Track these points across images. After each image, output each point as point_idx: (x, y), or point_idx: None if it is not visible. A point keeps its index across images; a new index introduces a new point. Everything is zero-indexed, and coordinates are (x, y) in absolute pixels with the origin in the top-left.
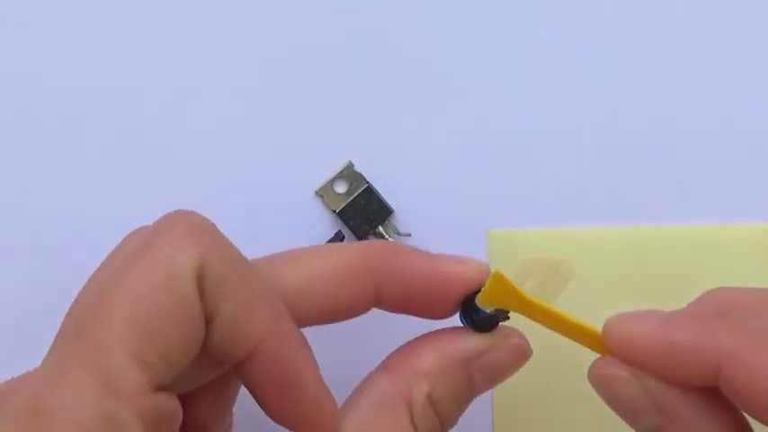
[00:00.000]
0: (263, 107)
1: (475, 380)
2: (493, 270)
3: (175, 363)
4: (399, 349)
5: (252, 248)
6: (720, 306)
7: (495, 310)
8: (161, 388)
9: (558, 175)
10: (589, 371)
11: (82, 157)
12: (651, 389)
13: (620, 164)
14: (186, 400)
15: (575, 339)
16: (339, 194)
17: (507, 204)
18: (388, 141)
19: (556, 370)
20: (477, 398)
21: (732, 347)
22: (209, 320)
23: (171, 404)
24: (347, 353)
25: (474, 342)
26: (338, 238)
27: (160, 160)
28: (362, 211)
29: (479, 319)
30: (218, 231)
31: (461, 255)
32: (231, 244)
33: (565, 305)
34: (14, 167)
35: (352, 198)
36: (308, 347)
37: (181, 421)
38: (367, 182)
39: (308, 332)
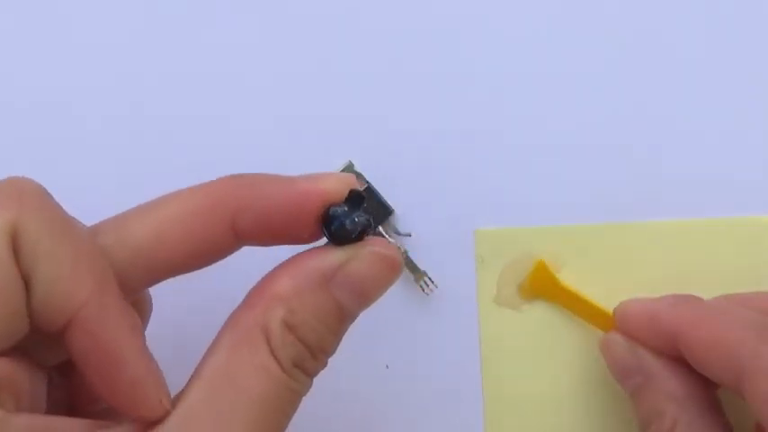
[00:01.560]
0: (263, 107)
1: (338, 297)
2: (536, 260)
3: (4, 331)
4: (259, 281)
5: (253, 248)
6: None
7: (354, 218)
8: None
9: (547, 172)
10: (600, 341)
11: (82, 156)
12: (638, 353)
13: (606, 161)
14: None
15: (594, 323)
16: None
17: (509, 203)
18: (388, 141)
19: (548, 373)
20: (469, 400)
21: (686, 320)
22: (27, 284)
23: (2, 369)
24: (347, 352)
25: (331, 256)
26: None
27: (161, 160)
28: None
29: (336, 229)
30: (44, 195)
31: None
32: (56, 208)
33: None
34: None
35: None
36: (133, 320)
37: (26, 386)
38: (367, 182)
39: None
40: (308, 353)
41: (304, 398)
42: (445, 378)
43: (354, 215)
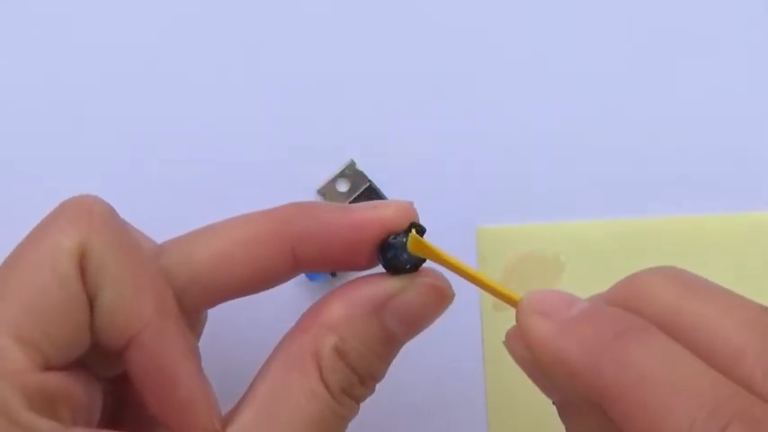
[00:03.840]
0: (264, 107)
1: (389, 326)
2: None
3: (61, 343)
4: (312, 306)
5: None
6: (627, 305)
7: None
8: (49, 367)
9: (549, 170)
10: (505, 337)
11: (82, 154)
12: (552, 377)
13: (607, 159)
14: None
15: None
16: (341, 193)
17: (510, 201)
18: (389, 140)
19: None
20: (473, 399)
21: (612, 386)
22: (91, 303)
23: (61, 382)
24: None
25: (384, 285)
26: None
27: (161, 160)
28: None
29: (391, 258)
30: (112, 215)
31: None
32: (123, 228)
33: None
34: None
35: (354, 196)
36: (190, 343)
37: (83, 399)
38: (369, 180)
39: None
40: (356, 379)
41: None
42: (448, 377)
43: None
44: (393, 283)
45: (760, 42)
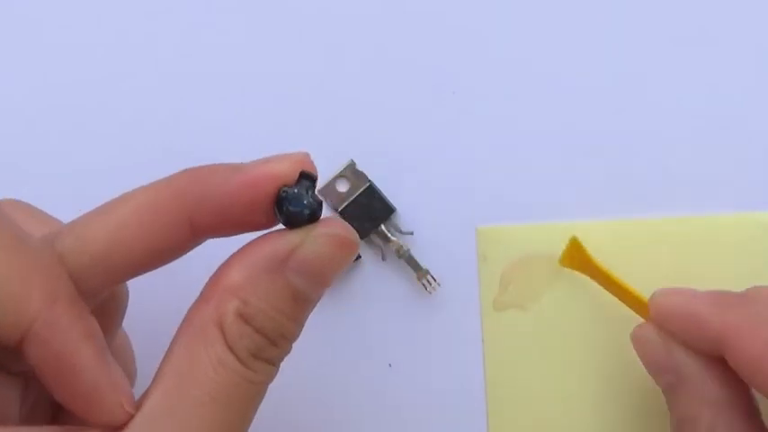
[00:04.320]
0: (265, 107)
1: (293, 282)
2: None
3: None
4: (213, 273)
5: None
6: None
7: (305, 199)
8: None
9: (549, 170)
10: (631, 333)
11: (83, 153)
12: (673, 351)
13: (607, 159)
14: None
15: (628, 305)
16: (341, 193)
17: (510, 201)
18: (389, 140)
19: (551, 371)
20: (472, 398)
21: (735, 326)
22: None
23: None
24: (349, 351)
25: (283, 240)
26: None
27: (162, 160)
28: (364, 210)
29: (286, 211)
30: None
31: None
32: (6, 221)
33: (556, 299)
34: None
35: (354, 197)
36: (89, 328)
37: None
38: (369, 180)
39: (312, 335)
40: (267, 342)
41: (306, 397)
42: (448, 376)
43: (308, 196)
44: (292, 237)
45: (761, 41)
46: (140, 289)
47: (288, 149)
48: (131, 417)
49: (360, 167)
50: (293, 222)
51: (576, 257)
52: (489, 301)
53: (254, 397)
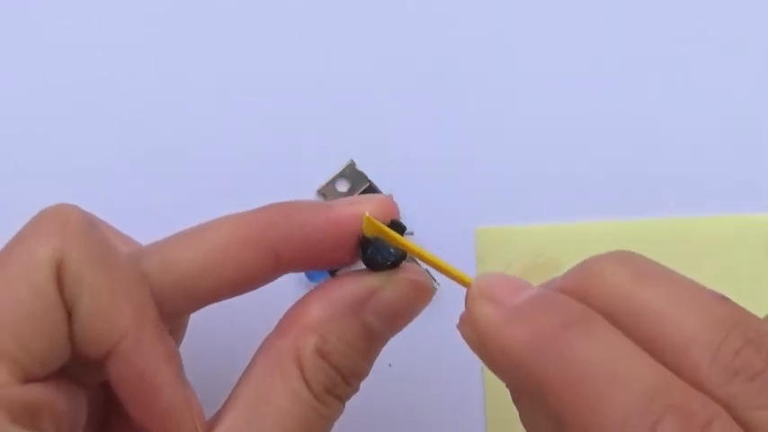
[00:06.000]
0: (265, 106)
1: (370, 323)
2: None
3: (40, 355)
4: (291, 307)
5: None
6: (578, 292)
7: (393, 247)
8: (29, 379)
9: (548, 171)
10: (459, 320)
11: (83, 153)
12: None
13: (606, 160)
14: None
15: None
16: (341, 193)
17: (509, 202)
18: (389, 140)
19: None
20: (471, 398)
21: (555, 381)
22: (70, 314)
23: (42, 394)
24: None
25: (363, 282)
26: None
27: (161, 161)
28: None
29: (370, 254)
30: (89, 224)
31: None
32: (99, 237)
33: None
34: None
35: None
36: (170, 349)
37: (65, 409)
38: (368, 180)
39: None
40: (339, 378)
41: None
42: (447, 376)
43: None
44: (372, 280)
45: (761, 41)
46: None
47: (288, 149)
48: None
49: (360, 167)
50: (376, 265)
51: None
52: None
53: (322, 430)
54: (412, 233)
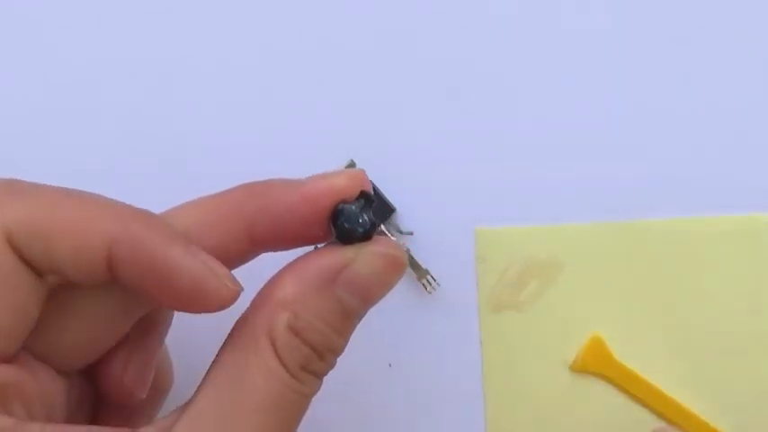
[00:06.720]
0: (265, 106)
1: (342, 298)
2: (593, 334)
3: (9, 331)
4: (264, 285)
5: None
6: None
7: (361, 216)
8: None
9: (548, 172)
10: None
11: (83, 153)
12: None
13: (606, 161)
14: (101, 364)
15: (652, 407)
16: None
17: (509, 202)
18: (389, 140)
19: (548, 372)
20: (470, 398)
21: None
22: (42, 272)
23: (10, 376)
24: (349, 351)
25: (335, 256)
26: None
27: (161, 160)
28: None
29: (341, 226)
30: (34, 185)
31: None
32: (48, 192)
33: (554, 301)
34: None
35: None
36: (168, 232)
37: (38, 394)
38: (369, 180)
39: None
40: (314, 355)
41: None
42: (447, 376)
43: (363, 214)
44: (344, 254)
45: (761, 41)
46: None
47: (288, 149)
48: (238, 292)
49: (360, 167)
50: (346, 238)
51: (599, 358)
52: (487, 303)
53: (299, 408)
54: (412, 233)
